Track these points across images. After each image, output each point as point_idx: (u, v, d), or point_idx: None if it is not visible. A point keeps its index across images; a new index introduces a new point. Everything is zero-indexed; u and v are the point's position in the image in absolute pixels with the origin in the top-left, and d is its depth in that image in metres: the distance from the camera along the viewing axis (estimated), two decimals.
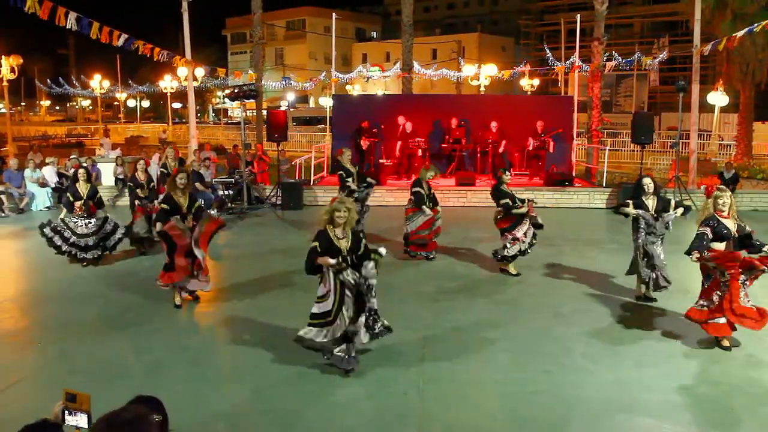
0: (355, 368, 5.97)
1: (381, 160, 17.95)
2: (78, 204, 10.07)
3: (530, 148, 17.59)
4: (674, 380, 5.94)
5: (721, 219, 6.48)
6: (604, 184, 16.98)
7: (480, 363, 6.36)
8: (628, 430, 5.11)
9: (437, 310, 8.00)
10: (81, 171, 10.32)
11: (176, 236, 7.93)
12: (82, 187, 10.17)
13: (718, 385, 5.86)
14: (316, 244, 5.85)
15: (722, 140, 30.11)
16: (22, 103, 74.32)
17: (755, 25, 14.91)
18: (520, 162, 18.10)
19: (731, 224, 6.48)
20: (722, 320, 6.42)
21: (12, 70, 20.28)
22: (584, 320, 7.57)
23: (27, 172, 15.92)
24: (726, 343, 6.56)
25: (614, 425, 5.16)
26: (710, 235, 6.47)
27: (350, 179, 11.20)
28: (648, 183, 8.01)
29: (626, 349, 6.69)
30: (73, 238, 10.00)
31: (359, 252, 5.94)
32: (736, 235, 6.45)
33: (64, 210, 10.42)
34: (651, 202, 7.97)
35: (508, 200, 9.41)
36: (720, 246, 6.48)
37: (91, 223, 10.10)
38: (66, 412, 2.87)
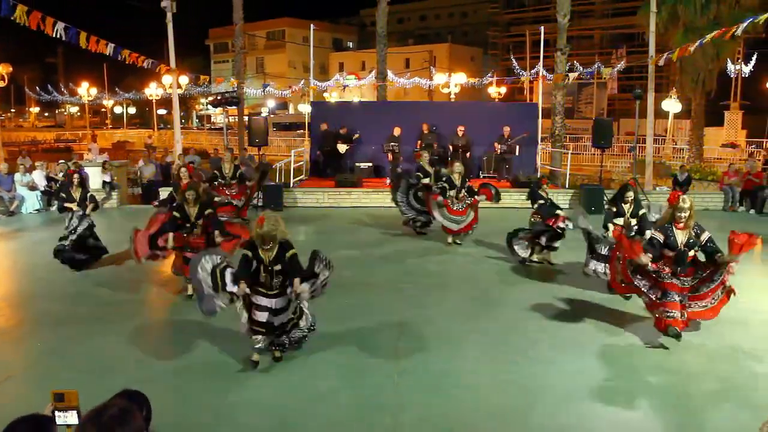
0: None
1: (357, 164, 17.96)
2: (74, 205, 9.97)
3: (498, 152, 17.69)
4: (635, 370, 6.02)
5: (675, 229, 6.43)
6: (566, 186, 17.13)
7: (452, 355, 6.39)
8: (592, 418, 5.16)
9: (412, 305, 8.02)
10: (75, 176, 10.21)
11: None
12: (75, 192, 10.05)
13: (675, 374, 5.95)
14: (248, 252, 5.89)
15: (676, 144, 30.55)
16: (12, 110, 73.09)
17: (705, 36, 15.15)
18: (488, 165, 18.22)
19: (682, 236, 6.42)
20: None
21: (2, 78, 19.90)
22: (550, 314, 7.63)
23: (17, 176, 15.67)
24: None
25: (579, 413, 5.20)
26: (661, 241, 6.44)
27: (427, 179, 11.73)
28: (630, 196, 8.54)
29: (589, 340, 6.76)
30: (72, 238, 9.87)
31: (284, 263, 5.85)
32: (683, 248, 6.37)
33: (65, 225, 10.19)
34: (628, 207, 8.50)
35: (545, 202, 9.83)
36: (669, 254, 6.45)
37: (84, 226, 9.95)
38: (56, 412, 2.83)
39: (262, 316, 5.89)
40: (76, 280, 9.21)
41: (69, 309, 7.86)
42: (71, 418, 2.82)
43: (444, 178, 11.36)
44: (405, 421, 5.06)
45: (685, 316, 6.47)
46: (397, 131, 17.43)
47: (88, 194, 10.19)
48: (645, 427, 5.03)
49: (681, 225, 6.41)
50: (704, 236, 6.45)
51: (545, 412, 5.21)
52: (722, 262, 6.36)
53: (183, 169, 10.28)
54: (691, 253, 6.47)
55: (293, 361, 6.14)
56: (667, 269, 6.51)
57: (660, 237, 6.47)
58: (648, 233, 7.28)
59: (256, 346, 5.98)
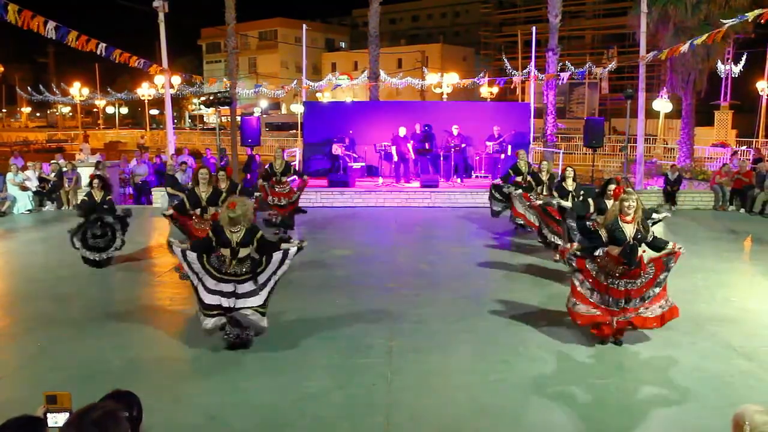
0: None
1: (350, 164, 17.94)
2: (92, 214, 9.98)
3: (489, 151, 17.73)
4: (625, 368, 6.04)
5: (622, 223, 6.26)
6: None
7: (444, 354, 6.39)
8: (583, 416, 5.15)
9: (403, 304, 8.01)
10: (96, 181, 10.16)
11: (190, 226, 8.39)
12: (96, 194, 10.03)
13: (665, 372, 5.97)
14: (210, 234, 6.20)
15: (667, 144, 30.65)
16: (3, 110, 72.66)
17: (696, 38, 15.19)
18: (480, 165, 18.26)
19: (630, 229, 6.24)
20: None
21: None
22: (541, 313, 7.64)
23: (9, 176, 15.58)
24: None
25: (569, 411, 5.21)
26: (605, 237, 6.28)
27: (520, 177, 11.65)
28: (611, 188, 8.37)
29: (580, 339, 6.75)
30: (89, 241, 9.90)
31: (253, 245, 6.19)
32: (631, 241, 6.17)
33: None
34: (611, 203, 8.26)
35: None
36: (616, 249, 6.24)
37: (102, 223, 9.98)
38: (48, 414, 2.81)
39: (212, 299, 6.13)
40: (67, 281, 9.17)
41: (61, 310, 7.82)
42: (63, 420, 2.80)
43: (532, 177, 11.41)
44: (397, 420, 5.06)
45: (622, 319, 6.36)
46: (402, 131, 17.28)
47: (110, 201, 10.13)
48: (636, 425, 5.04)
49: (628, 218, 6.25)
50: (650, 236, 6.31)
51: (537, 410, 5.22)
52: (669, 252, 6.29)
53: (222, 173, 9.92)
54: (641, 251, 6.24)
55: (285, 361, 6.14)
56: (614, 264, 6.25)
57: (604, 234, 6.31)
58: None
59: (207, 327, 6.21)
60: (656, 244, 6.41)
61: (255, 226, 6.22)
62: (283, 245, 6.32)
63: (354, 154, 17.93)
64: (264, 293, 6.24)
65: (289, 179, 12.18)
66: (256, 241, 6.11)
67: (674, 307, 6.40)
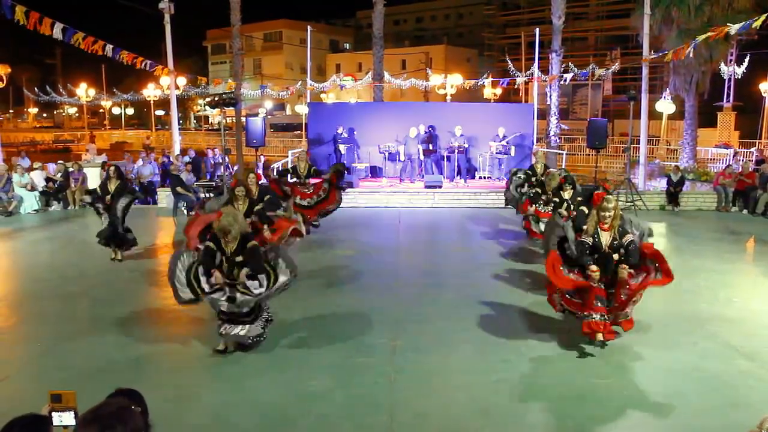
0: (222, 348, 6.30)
1: (354, 164, 17.96)
2: (107, 198, 10.08)
3: (493, 152, 17.71)
4: (627, 368, 6.03)
5: (600, 230, 6.22)
6: None
7: (447, 354, 6.39)
8: (583, 415, 5.16)
9: (406, 304, 8.02)
10: (112, 169, 10.34)
11: None
12: (112, 184, 10.10)
13: (667, 372, 5.96)
14: (211, 244, 6.13)
15: (670, 145, 30.58)
16: (11, 111, 72.86)
17: (698, 38, 15.17)
18: (483, 166, 18.25)
19: (606, 237, 6.20)
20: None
21: (0, 79, 19.81)
22: (543, 313, 7.61)
23: (15, 177, 15.63)
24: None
25: (571, 411, 5.21)
26: (591, 244, 6.21)
27: (534, 178, 11.40)
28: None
29: (582, 339, 6.73)
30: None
31: (244, 257, 6.10)
32: (607, 250, 6.15)
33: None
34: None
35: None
36: (593, 257, 6.20)
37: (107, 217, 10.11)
38: (53, 413, 2.82)
39: (222, 305, 6.12)
40: (73, 281, 9.20)
41: (66, 309, 7.85)
42: (68, 419, 2.81)
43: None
44: (401, 420, 5.07)
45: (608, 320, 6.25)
46: (413, 132, 17.28)
47: (126, 190, 10.27)
48: (637, 425, 5.04)
49: (606, 226, 6.20)
50: (627, 238, 6.17)
51: (538, 410, 5.22)
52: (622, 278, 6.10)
53: (251, 176, 9.78)
54: (615, 256, 6.18)
55: (288, 360, 6.15)
56: (594, 270, 6.16)
57: (589, 241, 6.25)
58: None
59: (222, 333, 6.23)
60: (629, 256, 6.13)
61: (248, 235, 6.20)
62: (281, 277, 6.20)
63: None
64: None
65: (312, 181, 12.02)
66: (247, 249, 6.05)
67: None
